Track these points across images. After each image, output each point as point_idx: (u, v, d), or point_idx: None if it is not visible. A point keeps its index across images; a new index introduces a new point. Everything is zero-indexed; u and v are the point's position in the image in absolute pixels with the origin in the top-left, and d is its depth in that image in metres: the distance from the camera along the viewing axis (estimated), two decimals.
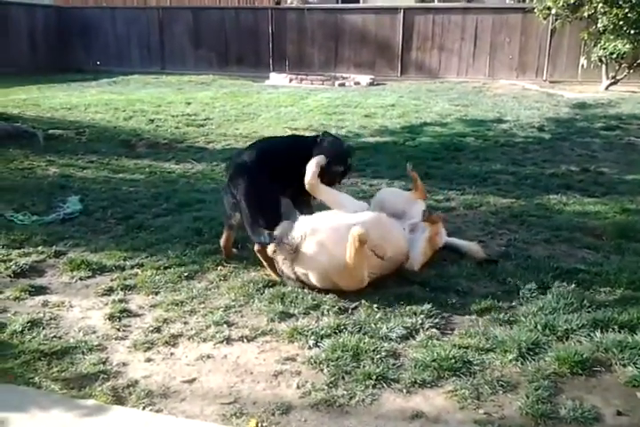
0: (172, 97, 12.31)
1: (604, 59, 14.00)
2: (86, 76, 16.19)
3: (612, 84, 14.24)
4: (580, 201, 5.42)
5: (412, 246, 3.84)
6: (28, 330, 3.08)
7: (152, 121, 9.46)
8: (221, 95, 12.82)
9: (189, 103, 11.37)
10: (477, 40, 16.51)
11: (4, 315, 3.27)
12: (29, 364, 2.79)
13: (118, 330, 3.14)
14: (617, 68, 14.12)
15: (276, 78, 16.28)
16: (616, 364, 2.79)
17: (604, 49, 13.57)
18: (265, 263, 3.72)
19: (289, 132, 8.67)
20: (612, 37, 13.27)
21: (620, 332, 3.03)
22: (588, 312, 3.23)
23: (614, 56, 13.56)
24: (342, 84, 15.59)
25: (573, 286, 3.55)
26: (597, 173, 6.58)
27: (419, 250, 3.86)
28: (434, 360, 2.78)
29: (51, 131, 8.31)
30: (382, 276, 3.60)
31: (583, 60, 15.09)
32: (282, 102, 11.74)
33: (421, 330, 3.09)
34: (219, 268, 3.92)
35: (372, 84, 15.76)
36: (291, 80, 15.99)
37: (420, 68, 17.07)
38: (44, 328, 3.12)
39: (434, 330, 3.09)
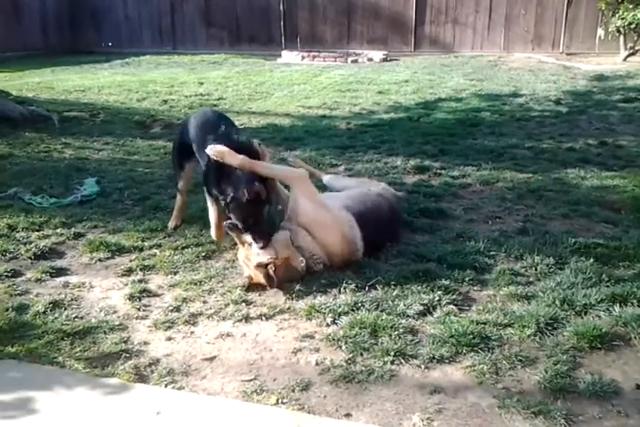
0: (185, 77, 12.27)
1: (622, 29, 13.72)
2: (98, 58, 16.15)
3: (630, 55, 13.96)
4: (599, 175, 5.35)
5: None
6: (51, 311, 3.13)
7: (165, 102, 9.45)
8: (234, 74, 12.75)
9: (202, 83, 11.33)
10: (492, 13, 16.19)
11: (27, 296, 3.32)
12: (53, 344, 2.83)
13: (138, 310, 3.18)
14: (635, 38, 13.82)
15: (289, 56, 16.13)
16: (635, 338, 2.78)
17: (623, 19, 13.29)
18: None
19: (302, 111, 8.64)
20: (630, 7, 13.01)
21: (638, 306, 3.02)
22: (607, 287, 3.22)
23: (633, 26, 13.27)
24: (355, 61, 15.42)
25: (592, 260, 3.53)
26: (616, 146, 6.49)
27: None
28: (451, 336, 2.78)
29: (65, 113, 8.32)
30: None
31: (600, 31, 14.81)
32: (295, 80, 11.66)
33: (439, 306, 3.09)
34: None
35: (385, 59, 15.57)
36: (303, 58, 15.84)
37: (433, 43, 16.81)
38: (65, 309, 3.17)
39: (451, 306, 3.09)
